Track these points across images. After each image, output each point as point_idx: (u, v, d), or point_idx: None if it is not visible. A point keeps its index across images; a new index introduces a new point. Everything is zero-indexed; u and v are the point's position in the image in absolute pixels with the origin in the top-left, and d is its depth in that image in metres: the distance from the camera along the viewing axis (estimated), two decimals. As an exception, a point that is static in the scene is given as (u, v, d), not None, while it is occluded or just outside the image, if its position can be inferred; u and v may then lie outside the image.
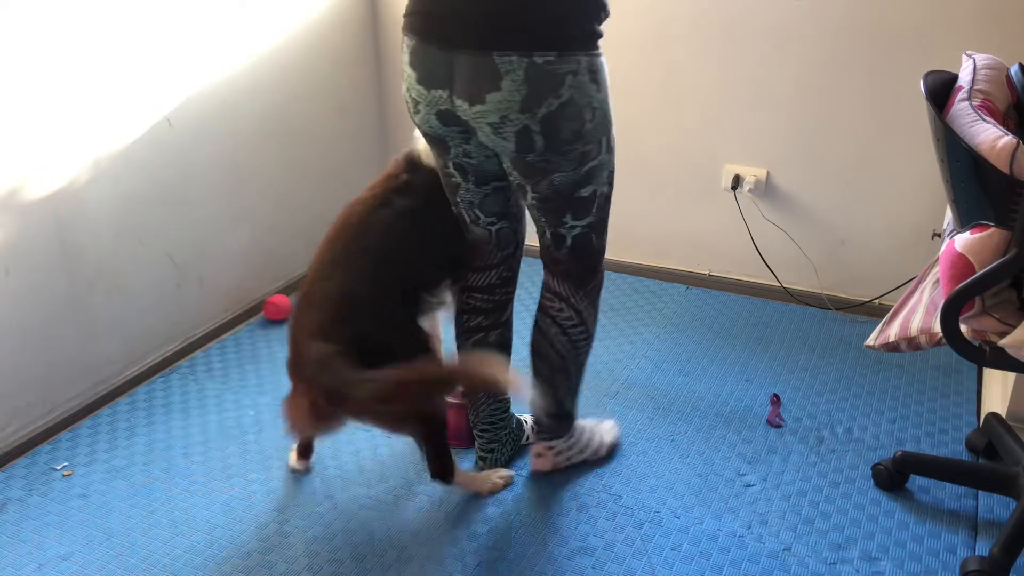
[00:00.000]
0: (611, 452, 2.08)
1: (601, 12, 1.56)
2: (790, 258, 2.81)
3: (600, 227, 1.79)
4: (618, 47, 2.78)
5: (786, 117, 2.67)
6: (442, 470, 1.83)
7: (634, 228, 3.01)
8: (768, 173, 2.75)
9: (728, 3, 2.61)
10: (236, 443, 2.15)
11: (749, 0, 2.58)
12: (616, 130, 1.67)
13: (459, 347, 1.99)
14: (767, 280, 2.88)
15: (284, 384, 2.40)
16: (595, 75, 1.56)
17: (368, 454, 2.10)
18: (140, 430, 2.21)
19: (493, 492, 1.97)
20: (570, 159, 1.61)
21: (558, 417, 1.95)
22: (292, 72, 2.70)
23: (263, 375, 2.45)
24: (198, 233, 2.50)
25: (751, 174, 2.76)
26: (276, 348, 2.59)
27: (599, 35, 1.57)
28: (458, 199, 1.82)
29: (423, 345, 1.78)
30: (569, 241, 1.77)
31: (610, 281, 3.01)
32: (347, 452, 2.11)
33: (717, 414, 2.25)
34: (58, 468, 2.06)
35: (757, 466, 2.05)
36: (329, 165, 2.93)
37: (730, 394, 2.34)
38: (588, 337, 1.89)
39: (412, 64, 1.60)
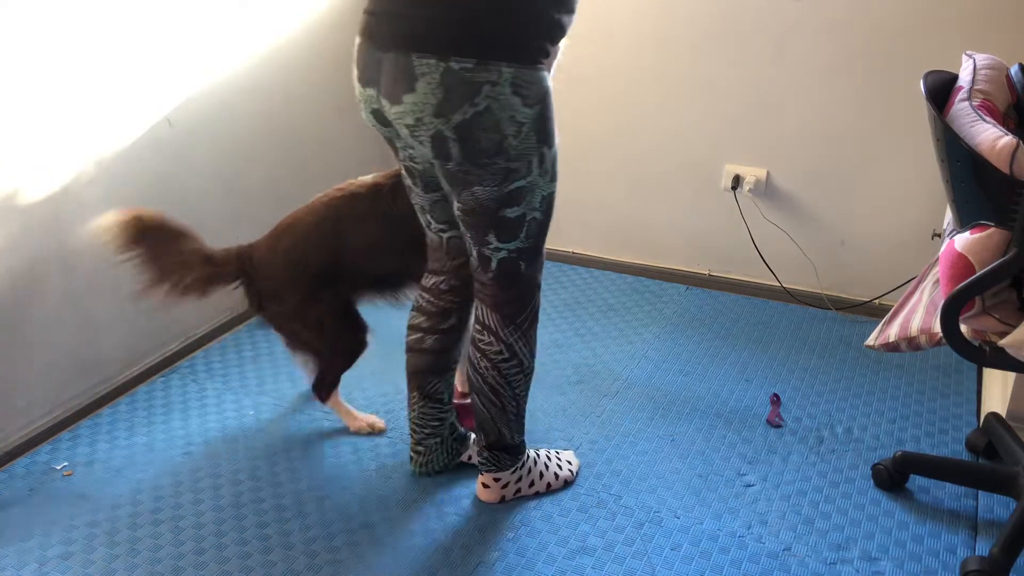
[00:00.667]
0: (566, 485, 1.98)
1: (548, 27, 1.50)
2: (790, 258, 2.81)
3: (530, 255, 1.70)
4: (618, 47, 2.79)
5: (786, 117, 2.67)
6: (319, 388, 2.15)
7: (634, 228, 3.02)
8: (768, 173, 2.75)
9: (728, 3, 2.61)
10: (236, 443, 2.15)
11: (749, 0, 2.58)
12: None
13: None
14: (767, 280, 2.88)
15: (284, 384, 2.41)
16: (521, 89, 1.49)
17: (370, 453, 2.10)
18: (140, 430, 2.21)
19: (359, 433, 2.18)
20: (492, 173, 1.56)
21: (500, 449, 1.88)
22: (292, 72, 2.70)
23: (263, 375, 2.45)
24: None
25: (751, 174, 2.76)
26: (276, 348, 2.59)
27: (539, 50, 1.50)
28: (412, 202, 1.83)
29: (318, 308, 2.02)
30: (494, 265, 1.69)
31: (610, 281, 3.01)
32: (348, 451, 2.11)
33: (717, 414, 2.25)
34: (58, 468, 2.06)
35: (757, 466, 2.05)
36: (329, 165, 2.93)
37: (730, 394, 2.34)
38: (522, 371, 1.81)
39: (356, 62, 1.62)
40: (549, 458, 1.99)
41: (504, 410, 1.83)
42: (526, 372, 1.83)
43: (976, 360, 1.56)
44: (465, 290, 1.87)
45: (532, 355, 1.82)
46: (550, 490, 1.96)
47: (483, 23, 1.45)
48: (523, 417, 1.89)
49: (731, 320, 2.75)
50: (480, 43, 1.45)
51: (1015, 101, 1.63)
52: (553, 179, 1.65)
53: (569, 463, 2.01)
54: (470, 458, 2.03)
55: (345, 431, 2.19)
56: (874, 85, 2.52)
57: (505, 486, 1.93)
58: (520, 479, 1.93)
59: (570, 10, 1.54)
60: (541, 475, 1.96)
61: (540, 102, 1.53)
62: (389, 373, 2.41)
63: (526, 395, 1.87)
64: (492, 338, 1.76)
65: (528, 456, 1.95)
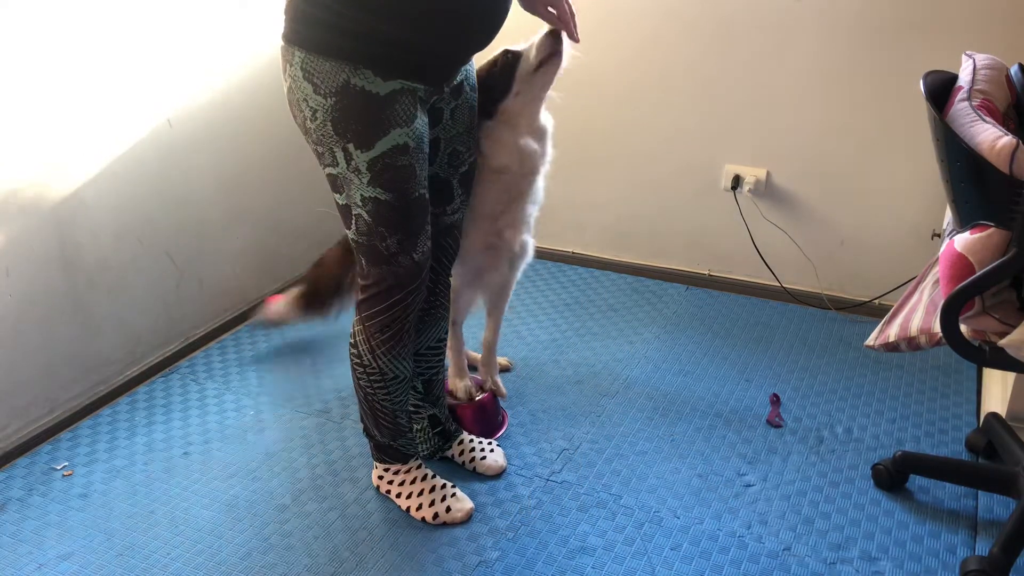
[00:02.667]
0: (423, 521, 1.86)
1: (361, 32, 1.49)
2: (790, 258, 2.81)
3: (366, 254, 1.65)
4: (618, 47, 2.79)
5: (786, 117, 2.67)
6: None
7: (634, 228, 3.02)
8: (768, 173, 2.75)
9: (728, 3, 2.61)
10: (236, 443, 2.15)
11: (749, 0, 2.58)
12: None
13: None
14: (767, 280, 2.88)
15: (284, 384, 2.40)
16: (312, 76, 1.54)
17: (371, 454, 2.11)
18: (140, 430, 2.21)
19: None
20: (312, 151, 1.64)
21: (366, 432, 1.92)
22: (292, 72, 2.70)
23: (263, 375, 2.45)
24: (198, 233, 2.50)
25: (751, 174, 2.76)
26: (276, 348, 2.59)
27: (342, 48, 1.51)
28: None
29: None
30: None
31: (610, 281, 3.01)
32: (347, 451, 2.11)
33: (717, 414, 2.25)
34: (58, 468, 2.06)
35: (757, 466, 2.05)
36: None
37: (730, 394, 2.34)
38: (362, 366, 1.77)
39: None
40: (434, 490, 1.89)
41: (357, 389, 1.84)
42: (367, 371, 1.77)
43: (976, 360, 1.56)
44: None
45: (373, 356, 1.75)
46: (408, 514, 1.89)
47: (297, 11, 1.56)
48: (380, 419, 1.84)
49: (731, 320, 2.75)
50: (287, 28, 1.59)
51: (1015, 101, 1.63)
52: (377, 186, 1.57)
53: (448, 510, 1.86)
54: (452, 455, 2.05)
55: (344, 429, 2.19)
56: (874, 85, 2.52)
57: (380, 477, 1.94)
58: (392, 483, 1.92)
59: (405, 26, 1.50)
60: (410, 495, 1.89)
61: (335, 95, 1.53)
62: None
63: (377, 399, 1.81)
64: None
65: (412, 473, 1.91)
